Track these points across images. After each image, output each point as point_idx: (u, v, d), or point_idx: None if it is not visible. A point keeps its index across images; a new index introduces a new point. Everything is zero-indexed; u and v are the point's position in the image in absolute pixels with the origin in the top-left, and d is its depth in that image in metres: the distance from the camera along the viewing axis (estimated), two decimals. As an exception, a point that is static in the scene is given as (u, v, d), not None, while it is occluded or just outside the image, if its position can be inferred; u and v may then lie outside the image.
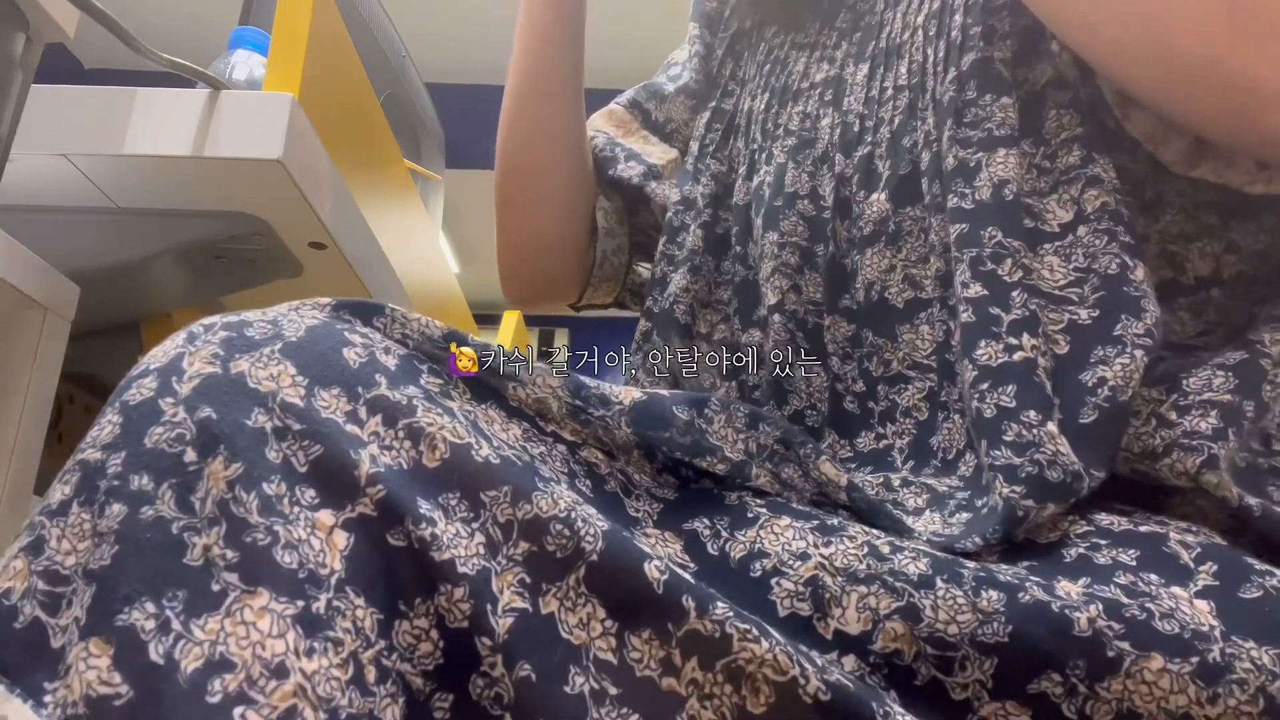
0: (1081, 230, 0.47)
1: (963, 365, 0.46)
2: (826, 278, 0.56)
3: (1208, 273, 0.50)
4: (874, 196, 0.55)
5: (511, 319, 1.93)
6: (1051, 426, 0.42)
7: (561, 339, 5.04)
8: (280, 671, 0.28)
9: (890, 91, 0.57)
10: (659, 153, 0.71)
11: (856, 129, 0.57)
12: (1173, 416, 0.44)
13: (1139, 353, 0.43)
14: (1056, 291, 0.46)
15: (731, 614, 0.33)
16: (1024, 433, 0.42)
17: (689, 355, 0.60)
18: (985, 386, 0.44)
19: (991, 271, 0.47)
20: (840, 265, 0.56)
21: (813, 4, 0.67)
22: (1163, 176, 0.50)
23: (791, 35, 0.67)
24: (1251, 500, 0.40)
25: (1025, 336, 0.45)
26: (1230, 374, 0.44)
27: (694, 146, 0.67)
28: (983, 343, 0.45)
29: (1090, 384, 0.43)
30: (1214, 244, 0.50)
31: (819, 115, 0.60)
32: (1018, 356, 0.44)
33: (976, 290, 0.47)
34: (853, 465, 0.52)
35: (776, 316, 0.57)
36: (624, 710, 0.32)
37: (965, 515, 0.43)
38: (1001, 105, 0.50)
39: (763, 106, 0.65)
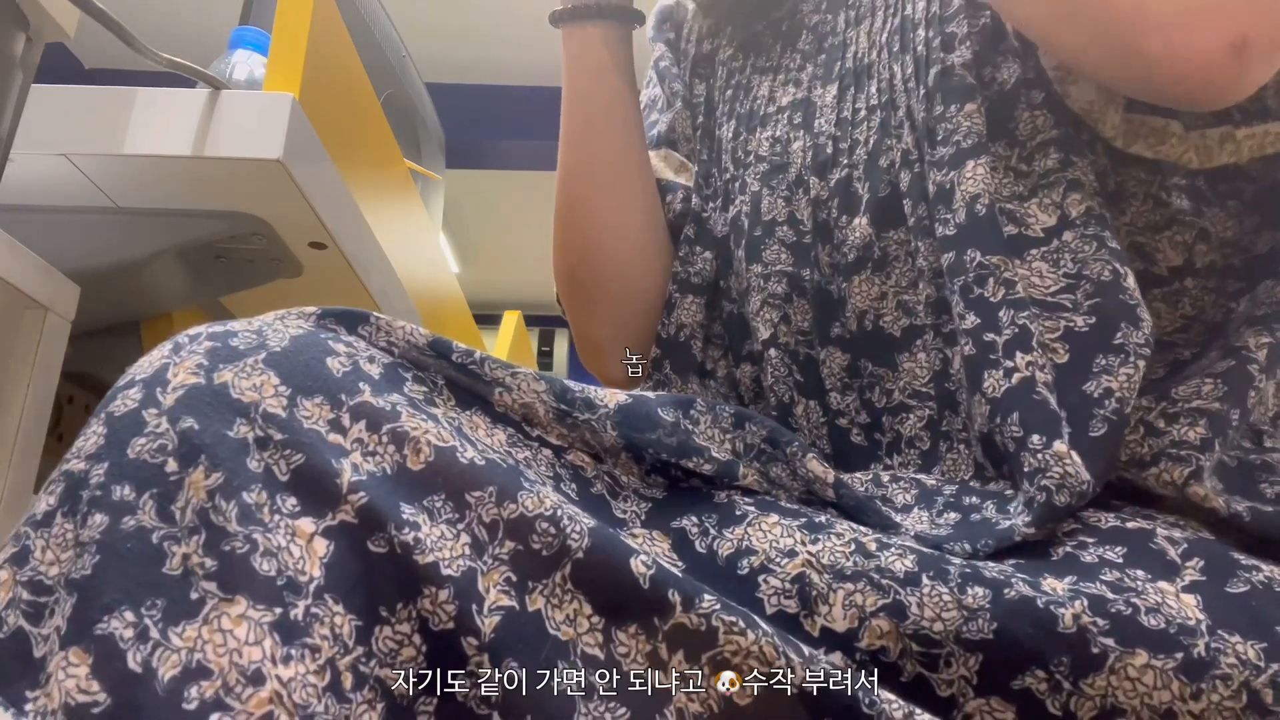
0: (1068, 235, 0.47)
1: (973, 401, 0.46)
2: (815, 306, 0.55)
3: (1180, 262, 0.50)
4: (855, 221, 0.54)
5: (511, 319, 1.94)
6: (1060, 445, 0.41)
7: (562, 340, 5.03)
8: (256, 678, 0.28)
9: (863, 112, 0.56)
10: (686, 174, 0.68)
11: (830, 150, 0.57)
12: (1161, 425, 0.44)
13: (1141, 363, 0.43)
14: (1049, 298, 0.46)
15: (718, 607, 0.34)
16: (1031, 460, 0.42)
17: (705, 397, 0.60)
18: (998, 421, 0.44)
19: (979, 296, 0.46)
20: (826, 293, 0.55)
21: (772, 27, 0.66)
22: (1121, 167, 0.50)
23: (750, 59, 0.66)
24: (1240, 506, 0.41)
25: (1019, 355, 0.44)
26: (1219, 381, 0.44)
27: (692, 163, 0.66)
28: (985, 374, 0.45)
29: (1096, 395, 0.43)
30: (1185, 233, 0.50)
31: (789, 139, 0.59)
32: (1016, 379, 0.44)
33: (971, 320, 0.46)
34: None
35: (772, 351, 0.56)
36: (611, 705, 0.33)
37: (953, 515, 0.44)
38: (966, 113, 0.50)
39: (730, 134, 0.64)
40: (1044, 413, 0.43)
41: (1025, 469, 0.42)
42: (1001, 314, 0.45)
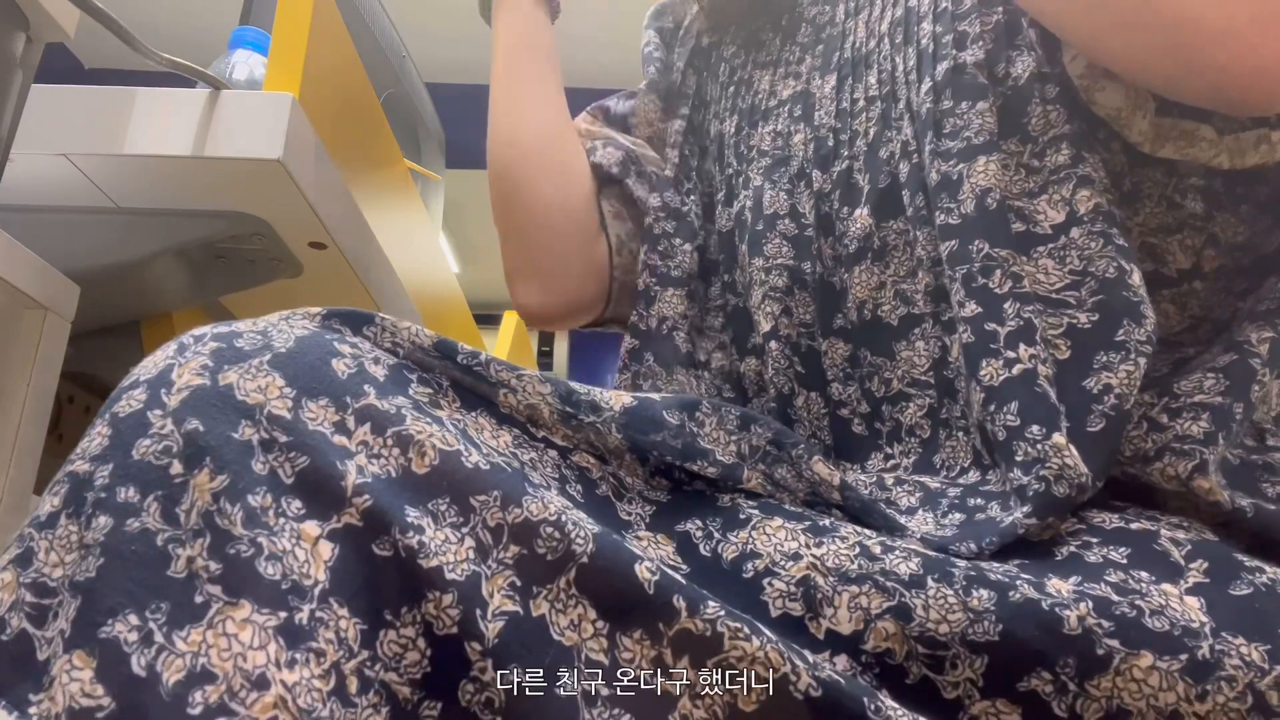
0: (1075, 232, 0.47)
1: (970, 387, 0.46)
2: (817, 298, 0.56)
3: (1189, 265, 0.50)
4: (856, 212, 0.54)
5: (512, 319, 1.93)
6: (1058, 438, 0.41)
7: (562, 341, 5.03)
8: (261, 683, 0.28)
9: (862, 103, 0.56)
10: (629, 140, 0.70)
11: (831, 143, 0.57)
12: (1164, 420, 0.44)
13: (1142, 360, 0.43)
14: (1054, 295, 0.46)
15: (723, 613, 0.33)
16: (1029, 449, 0.42)
17: (695, 387, 0.60)
18: (993, 408, 0.44)
19: (983, 286, 0.46)
20: (829, 284, 0.56)
21: (772, 21, 0.67)
22: (1138, 168, 0.50)
23: (752, 55, 0.67)
24: (1244, 502, 0.41)
25: (1022, 347, 0.44)
26: (1220, 375, 0.44)
27: (672, 154, 0.66)
28: (984, 362, 0.45)
29: (1096, 390, 0.43)
30: (1194, 237, 0.50)
31: (790, 132, 0.60)
32: (1017, 370, 0.44)
33: (972, 308, 0.46)
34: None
35: (773, 344, 0.56)
36: (616, 711, 0.33)
37: (958, 516, 0.44)
38: (978, 111, 0.50)
39: (733, 130, 0.64)
40: (1044, 405, 0.43)
41: (1018, 458, 0.42)
42: (1006, 306, 0.46)
